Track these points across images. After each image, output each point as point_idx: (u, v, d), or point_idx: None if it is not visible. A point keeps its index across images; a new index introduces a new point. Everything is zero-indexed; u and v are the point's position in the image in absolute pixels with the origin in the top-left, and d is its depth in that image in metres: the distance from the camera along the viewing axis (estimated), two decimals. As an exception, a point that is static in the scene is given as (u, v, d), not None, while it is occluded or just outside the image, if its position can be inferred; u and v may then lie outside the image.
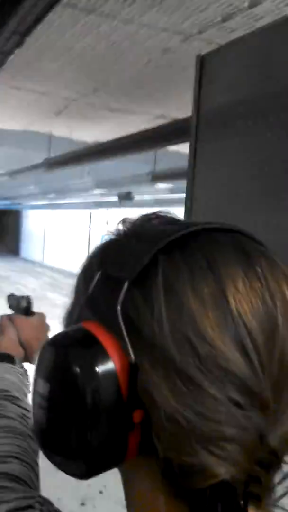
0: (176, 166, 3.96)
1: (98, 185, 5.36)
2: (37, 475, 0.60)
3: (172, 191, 5.34)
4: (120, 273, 0.42)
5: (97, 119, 2.95)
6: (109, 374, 0.40)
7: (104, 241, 0.48)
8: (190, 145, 1.28)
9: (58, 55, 1.88)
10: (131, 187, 5.47)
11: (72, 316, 0.48)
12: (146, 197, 6.72)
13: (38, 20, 0.91)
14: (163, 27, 1.69)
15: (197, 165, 1.26)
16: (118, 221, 0.48)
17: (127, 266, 0.42)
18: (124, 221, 0.48)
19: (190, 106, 2.71)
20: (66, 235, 16.94)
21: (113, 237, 0.47)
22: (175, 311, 0.39)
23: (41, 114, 2.90)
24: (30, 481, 0.57)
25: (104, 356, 0.40)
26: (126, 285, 0.41)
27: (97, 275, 0.44)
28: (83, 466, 0.42)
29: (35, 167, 3.72)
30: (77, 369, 0.40)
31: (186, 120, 2.32)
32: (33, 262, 18.92)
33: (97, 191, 6.78)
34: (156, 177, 3.95)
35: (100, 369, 0.40)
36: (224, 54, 1.26)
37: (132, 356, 0.39)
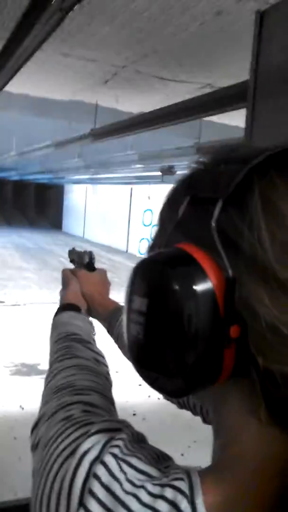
0: (221, 138, 3.89)
1: (140, 159, 5.34)
2: (115, 410, 0.61)
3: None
4: (213, 193, 0.43)
5: (144, 88, 2.92)
6: (206, 290, 0.41)
7: (188, 171, 0.50)
8: (248, 106, 1.26)
9: (110, 19, 1.86)
10: (174, 160, 5.42)
11: (157, 245, 0.50)
12: (189, 171, 6.64)
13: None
14: (218, -14, 1.65)
15: (255, 126, 1.24)
16: (199, 155, 0.49)
17: (220, 186, 0.43)
18: (204, 151, 0.49)
19: (238, 75, 2.64)
20: (107, 210, 17.02)
21: (197, 166, 0.49)
22: (274, 224, 0.40)
23: (88, 83, 2.89)
24: (111, 412, 0.58)
25: (200, 272, 0.41)
26: (220, 203, 0.42)
27: (186, 200, 0.46)
28: (179, 384, 0.43)
29: (81, 137, 3.74)
30: (175, 286, 0.41)
31: (237, 86, 2.26)
32: (74, 237, 19.18)
33: (139, 165, 6.76)
34: (201, 149, 3.89)
35: (197, 285, 0.41)
36: (284, 9, 1.21)
37: (230, 271, 0.40)
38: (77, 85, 2.99)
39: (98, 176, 10.87)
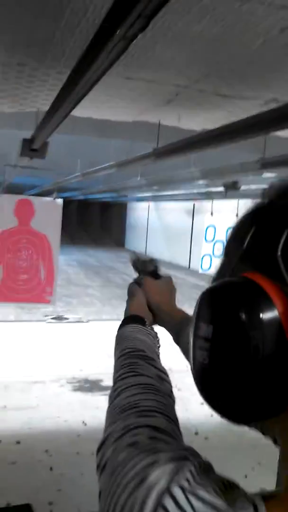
0: (287, 153, 3.80)
1: (203, 175, 5.32)
2: (179, 430, 0.61)
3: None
4: (277, 224, 0.45)
5: (207, 105, 2.92)
6: (273, 317, 0.41)
7: (253, 204, 0.52)
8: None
9: (172, 41, 1.88)
10: (238, 176, 5.36)
11: (222, 276, 0.51)
12: (253, 187, 6.55)
13: (164, 2, 0.91)
14: (282, 4, 1.62)
15: None
16: (266, 187, 0.52)
17: (285, 218, 0.45)
18: (271, 185, 0.51)
19: (304, 88, 2.56)
20: (169, 227, 17.07)
21: (262, 200, 0.51)
22: None
23: (151, 104, 2.93)
24: (176, 435, 0.58)
25: (266, 300, 0.42)
26: (286, 233, 0.43)
27: (252, 231, 0.47)
28: (245, 411, 0.43)
29: (143, 157, 3.78)
30: (242, 314, 0.42)
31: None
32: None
33: (202, 182, 6.73)
34: (266, 164, 3.82)
35: (263, 312, 0.41)
36: None
37: None
38: (139, 107, 3.04)
39: (161, 193, 10.95)
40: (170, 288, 1.12)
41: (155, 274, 1.13)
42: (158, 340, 0.94)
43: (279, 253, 0.43)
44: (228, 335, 0.43)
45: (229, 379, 0.43)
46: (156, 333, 0.97)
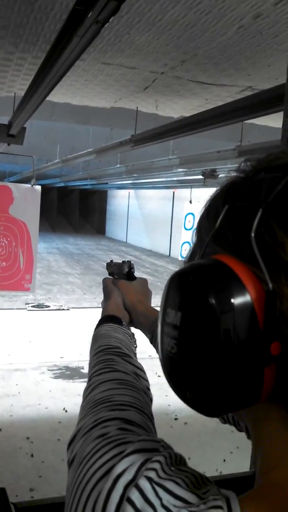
0: (265, 140, 3.83)
1: (182, 163, 5.34)
2: (154, 426, 0.58)
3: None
4: (252, 202, 0.41)
5: (184, 93, 2.92)
6: (244, 303, 0.38)
7: (227, 180, 0.47)
8: (285, 109, 1.25)
9: (148, 26, 1.88)
10: (216, 164, 5.38)
11: (195, 256, 0.48)
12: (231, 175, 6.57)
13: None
14: (255, -10, 1.64)
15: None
16: (241, 162, 0.47)
17: (259, 195, 0.41)
18: (247, 160, 0.47)
19: (279, 77, 2.60)
20: (149, 215, 17.06)
21: (236, 174, 0.46)
22: None
23: (128, 90, 2.93)
24: (149, 429, 0.55)
25: (238, 285, 0.39)
26: (260, 212, 0.40)
27: (224, 209, 0.44)
28: (215, 403, 0.41)
29: (121, 144, 3.78)
30: (212, 299, 0.39)
31: (276, 89, 2.23)
32: (117, 241, 19.33)
33: (181, 169, 6.75)
34: (243, 152, 3.85)
35: (235, 298, 0.38)
36: None
37: (270, 284, 0.38)
38: (117, 93, 3.03)
39: (140, 181, 10.93)
40: (145, 289, 1.09)
41: (130, 276, 1.13)
42: (135, 340, 0.92)
43: (252, 234, 0.39)
44: (197, 322, 0.40)
45: (198, 369, 0.40)
46: (133, 333, 0.95)
